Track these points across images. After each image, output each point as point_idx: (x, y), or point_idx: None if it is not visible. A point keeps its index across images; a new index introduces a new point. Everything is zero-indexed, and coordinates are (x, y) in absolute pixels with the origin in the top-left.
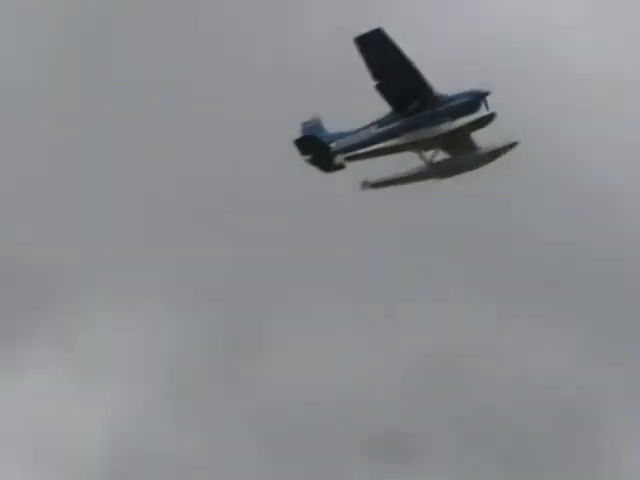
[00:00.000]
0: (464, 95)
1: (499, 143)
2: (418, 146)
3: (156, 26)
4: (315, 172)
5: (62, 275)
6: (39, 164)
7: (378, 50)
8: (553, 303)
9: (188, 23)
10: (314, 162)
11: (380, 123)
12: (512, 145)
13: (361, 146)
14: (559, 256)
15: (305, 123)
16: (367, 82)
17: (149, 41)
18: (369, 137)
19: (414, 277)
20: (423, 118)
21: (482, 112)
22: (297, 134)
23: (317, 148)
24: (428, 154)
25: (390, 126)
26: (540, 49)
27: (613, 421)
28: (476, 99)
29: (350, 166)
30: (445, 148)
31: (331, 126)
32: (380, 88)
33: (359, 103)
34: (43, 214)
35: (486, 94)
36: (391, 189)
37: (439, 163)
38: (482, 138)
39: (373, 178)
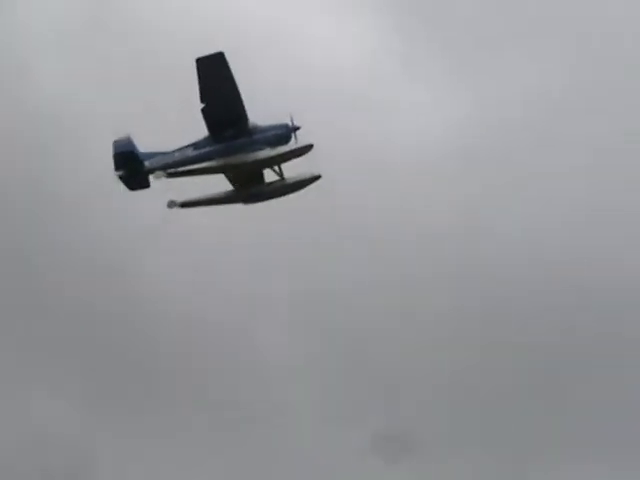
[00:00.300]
0: (277, 127)
1: (304, 175)
2: (234, 169)
3: None
4: None
5: None
6: None
7: (215, 74)
8: None
9: None
10: (124, 178)
11: (196, 146)
12: (315, 178)
13: (175, 166)
14: None
15: (117, 141)
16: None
17: None
18: (184, 158)
19: None
20: (241, 145)
21: (301, 143)
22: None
23: (133, 164)
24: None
25: (206, 149)
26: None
27: None
28: (288, 132)
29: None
30: (246, 177)
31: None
32: (205, 111)
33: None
34: None
35: (297, 128)
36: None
37: (248, 188)
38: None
39: (181, 198)
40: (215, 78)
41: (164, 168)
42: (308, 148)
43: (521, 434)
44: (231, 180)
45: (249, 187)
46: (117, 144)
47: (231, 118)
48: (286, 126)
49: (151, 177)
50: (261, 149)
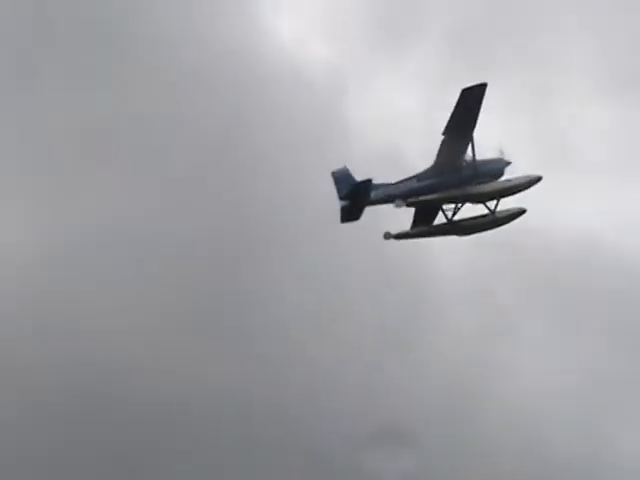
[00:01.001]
0: (496, 161)
1: (512, 209)
2: (462, 200)
3: None
4: None
5: None
6: None
7: (472, 105)
8: None
9: None
10: (346, 208)
11: (419, 178)
12: (522, 212)
13: (400, 197)
14: None
15: (337, 172)
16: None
17: None
18: (408, 189)
19: None
20: (466, 177)
21: (533, 174)
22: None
23: (364, 195)
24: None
25: (431, 181)
26: None
27: None
28: (502, 167)
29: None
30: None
31: None
32: (444, 143)
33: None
34: None
35: (509, 163)
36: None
37: (460, 221)
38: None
39: (395, 230)
40: (471, 109)
41: (389, 200)
42: (537, 180)
43: None
44: (417, 214)
45: (428, 223)
46: (342, 175)
47: (461, 150)
48: (503, 160)
49: (392, 205)
50: (485, 182)
